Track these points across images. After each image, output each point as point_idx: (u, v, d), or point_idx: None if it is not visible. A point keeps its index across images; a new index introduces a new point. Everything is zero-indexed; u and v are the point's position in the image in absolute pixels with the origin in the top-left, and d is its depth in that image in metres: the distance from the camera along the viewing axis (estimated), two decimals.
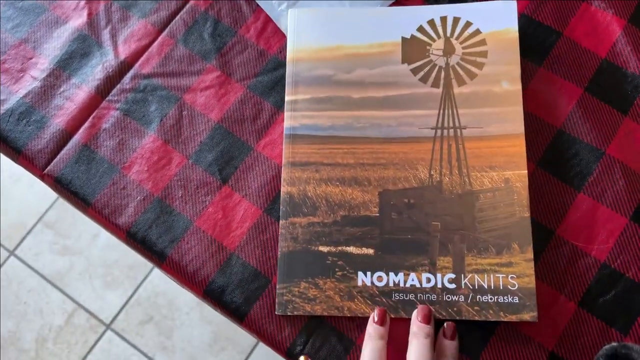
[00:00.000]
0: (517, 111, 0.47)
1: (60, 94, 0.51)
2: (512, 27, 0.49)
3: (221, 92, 0.52)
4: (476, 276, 0.44)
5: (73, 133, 0.50)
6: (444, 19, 0.50)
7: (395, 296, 0.44)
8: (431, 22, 0.51)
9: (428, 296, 0.44)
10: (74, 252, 1.10)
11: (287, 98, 0.49)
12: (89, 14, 0.53)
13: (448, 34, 0.50)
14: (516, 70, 0.48)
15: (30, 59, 0.52)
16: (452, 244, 0.45)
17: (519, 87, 0.48)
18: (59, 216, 1.12)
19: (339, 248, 0.46)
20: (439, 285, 0.44)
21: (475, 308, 0.43)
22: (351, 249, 0.46)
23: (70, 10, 0.53)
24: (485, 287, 0.44)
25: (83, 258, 1.11)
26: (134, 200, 0.49)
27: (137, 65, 0.53)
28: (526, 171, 0.46)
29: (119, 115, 0.51)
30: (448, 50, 0.50)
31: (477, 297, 0.43)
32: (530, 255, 0.44)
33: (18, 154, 0.50)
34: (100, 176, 0.49)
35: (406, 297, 0.44)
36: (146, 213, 0.49)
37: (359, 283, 0.45)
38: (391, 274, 0.45)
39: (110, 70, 0.52)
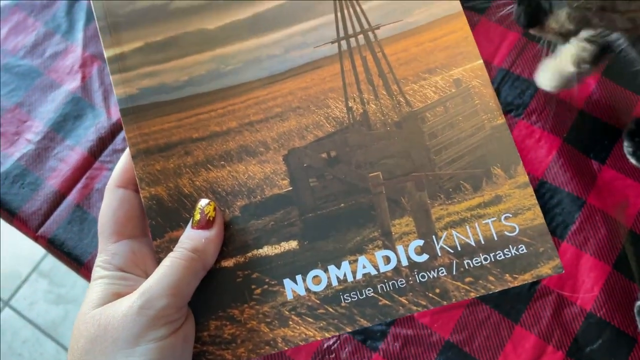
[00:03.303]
0: None
1: (54, 156, 0.54)
2: None
3: None
4: (454, 232, 0.30)
5: (66, 194, 0.52)
6: None
7: (345, 299, 0.30)
8: None
9: (393, 284, 0.30)
10: (68, 301, 1.12)
11: (107, 53, 0.34)
12: (83, 78, 0.56)
13: None
14: None
15: (25, 122, 0.55)
16: (407, 197, 0.31)
17: None
18: (54, 265, 1.15)
19: (249, 254, 0.32)
20: (405, 263, 0.30)
21: (467, 280, 0.29)
22: (266, 250, 0.32)
23: (64, 74, 0.56)
24: (473, 243, 0.30)
25: (78, 307, 1.08)
26: None
27: None
28: (481, 61, 0.32)
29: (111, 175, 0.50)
30: None
31: (465, 262, 0.30)
32: (523, 177, 0.30)
33: (12, 217, 0.52)
34: (92, 236, 0.50)
35: (361, 295, 0.30)
36: None
37: (289, 296, 0.31)
38: (331, 269, 0.31)
39: (103, 132, 0.54)
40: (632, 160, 0.46)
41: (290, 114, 0.33)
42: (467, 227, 0.30)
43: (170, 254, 0.31)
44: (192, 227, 0.31)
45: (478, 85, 0.32)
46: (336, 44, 0.34)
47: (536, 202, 0.30)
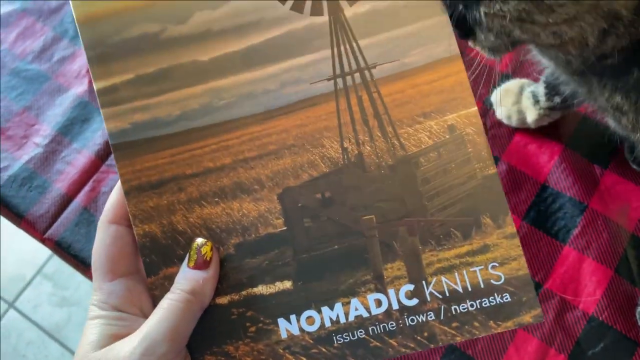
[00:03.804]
0: (440, 24, 0.33)
1: (62, 159, 0.54)
2: None
3: None
4: (443, 278, 0.32)
5: (73, 197, 0.53)
6: None
7: (337, 340, 0.32)
8: None
9: (384, 326, 0.32)
10: (72, 303, 1.12)
11: (96, 85, 0.33)
12: (90, 82, 0.56)
13: None
14: None
15: (33, 125, 0.56)
16: (399, 241, 0.32)
17: None
18: (58, 267, 1.15)
19: (244, 293, 0.33)
20: (395, 307, 0.32)
21: (454, 325, 0.31)
22: (260, 289, 0.33)
23: (72, 79, 0.57)
24: (460, 290, 0.32)
25: (82, 309, 1.13)
26: None
27: None
28: (476, 108, 0.33)
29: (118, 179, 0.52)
30: None
31: (452, 308, 0.31)
32: (511, 228, 0.32)
33: (20, 219, 0.53)
34: None
35: (353, 336, 0.32)
36: None
37: (283, 335, 0.32)
38: (325, 310, 0.32)
39: None
40: (634, 166, 0.47)
41: (285, 152, 0.34)
42: (456, 273, 0.32)
43: (168, 295, 0.31)
44: (189, 266, 0.32)
45: (472, 133, 0.33)
46: (332, 81, 0.34)
47: (522, 252, 0.31)
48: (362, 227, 0.33)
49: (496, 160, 0.50)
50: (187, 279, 0.32)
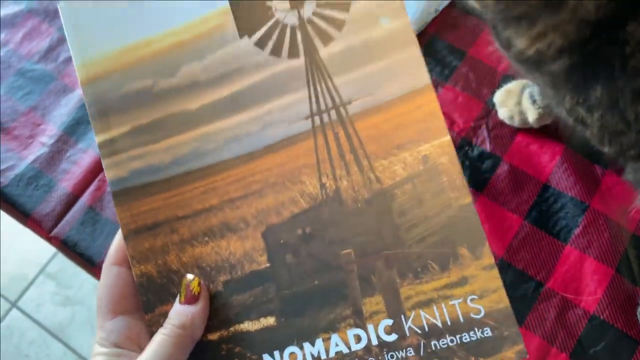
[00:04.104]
0: (412, 55, 0.33)
1: (67, 159, 0.56)
2: None
3: None
4: (422, 312, 0.31)
5: (79, 196, 0.54)
6: None
7: None
8: None
9: None
10: (75, 302, 1.14)
11: (98, 139, 0.37)
12: None
13: None
14: None
15: (39, 125, 0.57)
16: (377, 275, 0.32)
17: (405, 19, 0.34)
18: (61, 267, 1.17)
19: (232, 329, 0.34)
20: (375, 342, 0.31)
21: None
22: (246, 326, 0.34)
23: (77, 79, 0.60)
24: (440, 325, 0.31)
25: (85, 308, 1.14)
26: None
27: None
28: (449, 137, 0.32)
29: None
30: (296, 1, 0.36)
31: (432, 343, 0.31)
32: (489, 259, 0.31)
33: (26, 218, 0.54)
34: (105, 237, 0.52)
35: None
36: None
37: None
38: (306, 346, 0.32)
39: None
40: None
41: (268, 190, 0.35)
42: (435, 307, 0.31)
43: (160, 330, 0.33)
44: (180, 302, 0.34)
45: (446, 162, 0.32)
46: (309, 120, 0.35)
47: (501, 284, 0.30)
48: (340, 261, 0.33)
49: (498, 160, 0.51)
50: (178, 313, 0.34)
